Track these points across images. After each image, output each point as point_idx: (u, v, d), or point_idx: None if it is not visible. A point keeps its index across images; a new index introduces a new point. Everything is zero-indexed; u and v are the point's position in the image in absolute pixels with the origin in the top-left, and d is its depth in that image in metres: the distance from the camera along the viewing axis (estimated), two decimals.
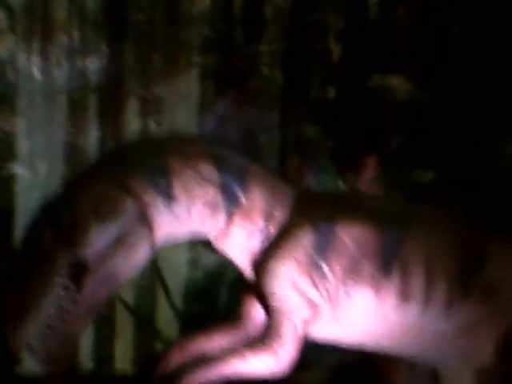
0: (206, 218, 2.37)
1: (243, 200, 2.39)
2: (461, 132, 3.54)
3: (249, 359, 2.34)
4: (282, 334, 2.37)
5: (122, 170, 2.32)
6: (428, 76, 3.91)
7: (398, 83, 3.93)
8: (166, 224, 2.34)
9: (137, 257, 2.29)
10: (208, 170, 2.36)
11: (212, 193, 2.36)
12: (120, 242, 2.26)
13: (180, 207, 2.34)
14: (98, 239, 2.24)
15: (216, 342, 2.50)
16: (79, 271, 2.23)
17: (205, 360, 2.40)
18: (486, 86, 3.57)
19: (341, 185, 3.83)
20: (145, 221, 2.29)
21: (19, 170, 4.69)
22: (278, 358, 2.35)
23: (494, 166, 3.28)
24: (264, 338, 2.37)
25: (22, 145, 4.72)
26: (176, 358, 2.46)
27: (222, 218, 2.38)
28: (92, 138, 4.74)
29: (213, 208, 2.37)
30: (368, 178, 3.76)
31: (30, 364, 4.30)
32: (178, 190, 2.34)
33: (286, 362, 2.35)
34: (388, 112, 3.90)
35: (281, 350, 2.35)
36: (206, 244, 4.54)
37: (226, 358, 2.36)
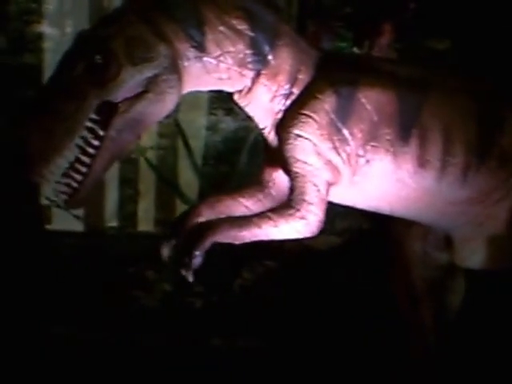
0: (233, 73, 2.37)
1: (271, 59, 2.39)
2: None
3: (279, 224, 2.36)
4: (306, 198, 2.37)
5: (158, 15, 2.29)
6: None
7: None
8: (195, 74, 2.34)
9: (164, 104, 2.30)
10: (240, 23, 2.35)
11: (242, 48, 2.36)
12: (150, 86, 2.27)
13: (210, 59, 2.34)
14: (129, 81, 2.24)
15: (241, 204, 2.53)
16: (108, 111, 2.23)
17: (236, 220, 2.42)
18: None
19: (356, 51, 3.82)
20: (176, 68, 2.29)
21: (47, 28, 4.73)
22: (306, 222, 2.37)
23: (509, 33, 3.26)
24: (290, 203, 2.38)
25: (50, 4, 4.75)
26: (204, 215, 2.48)
27: (248, 75, 2.39)
28: None
29: (241, 64, 2.37)
30: (383, 45, 3.74)
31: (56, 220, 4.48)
32: (209, 41, 2.33)
33: (314, 225, 2.38)
34: None
35: (308, 213, 2.37)
36: (226, 109, 4.61)
37: (256, 222, 2.37)
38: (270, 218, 2.36)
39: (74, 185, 2.25)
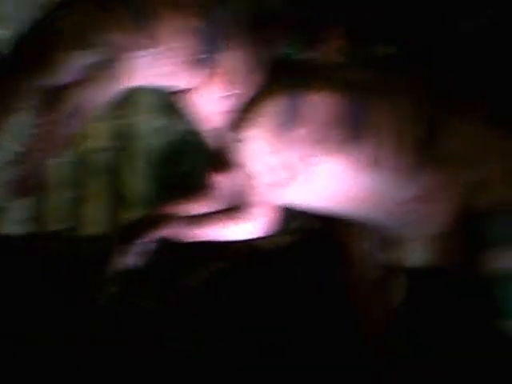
0: (182, 70, 2.38)
1: (222, 58, 2.42)
2: (422, 6, 3.57)
3: (228, 226, 2.42)
4: (254, 199, 2.43)
5: (112, 5, 2.29)
6: None
7: None
8: (142, 67, 2.34)
9: (105, 92, 2.29)
10: (194, 20, 2.36)
11: (193, 44, 2.37)
12: (91, 73, 2.25)
13: (159, 52, 2.34)
14: (72, 64, 2.22)
15: (185, 207, 2.59)
16: (51, 97, 2.20)
17: (185, 218, 2.47)
18: None
19: (305, 55, 3.85)
20: (120, 58, 2.29)
21: None
22: (255, 223, 2.43)
23: (453, 41, 3.33)
24: (238, 205, 2.44)
25: None
26: (150, 223, 2.52)
27: (198, 73, 2.40)
28: None
29: (191, 61, 2.38)
30: (332, 49, 3.78)
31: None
32: (159, 35, 2.33)
33: (264, 225, 2.45)
34: None
35: (256, 214, 2.43)
36: (174, 111, 4.61)
37: (207, 222, 2.43)
38: (218, 220, 2.42)
39: (19, 173, 2.24)
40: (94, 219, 4.66)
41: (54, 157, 2.31)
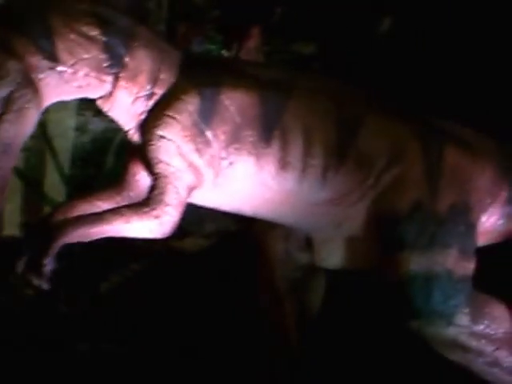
0: (92, 80, 2.35)
1: (128, 61, 2.36)
2: (341, 5, 3.59)
3: (131, 220, 2.35)
4: (164, 198, 2.37)
5: (5, 31, 2.26)
6: None
7: None
8: (53, 85, 2.31)
9: (25, 120, 2.25)
10: (91, 30, 2.32)
11: (96, 53, 2.33)
12: (6, 106, 2.22)
13: (65, 68, 2.31)
14: None
15: (98, 207, 2.50)
16: None
17: (86, 218, 2.40)
18: None
19: (225, 53, 3.85)
20: (30, 82, 2.25)
21: None
22: (160, 222, 2.36)
23: (371, 39, 3.35)
24: (147, 202, 2.38)
25: None
26: (58, 221, 2.45)
27: (108, 79, 2.37)
28: None
29: (98, 69, 2.34)
30: (251, 48, 3.78)
31: None
32: (61, 50, 2.30)
33: (167, 226, 2.38)
34: None
35: (163, 213, 2.36)
36: (94, 110, 4.54)
37: (107, 218, 2.36)
38: (122, 214, 2.35)
39: None
40: (12, 220, 4.59)
41: None
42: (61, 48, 2.30)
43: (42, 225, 2.49)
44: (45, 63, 2.29)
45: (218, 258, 3.56)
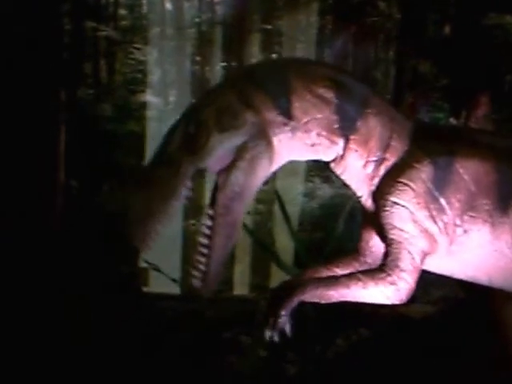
0: (323, 139, 2.41)
1: (360, 125, 2.41)
2: None
3: (368, 286, 2.36)
4: (400, 264, 2.37)
5: (247, 86, 2.37)
6: None
7: None
8: (285, 141, 2.39)
9: (257, 169, 2.34)
10: (327, 92, 2.39)
11: (328, 114, 2.39)
12: (239, 154, 2.33)
13: (298, 126, 2.38)
14: (218, 148, 2.31)
15: (335, 273, 2.52)
16: (214, 189, 2.29)
17: (324, 279, 2.44)
18: None
19: (452, 122, 3.83)
20: (264, 135, 2.35)
21: (151, 98, 4.90)
22: (396, 288, 2.36)
23: None
24: (382, 268, 2.38)
25: (154, 74, 4.93)
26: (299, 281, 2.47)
27: (338, 142, 2.42)
28: (217, 68, 4.89)
29: (329, 129, 2.40)
30: (480, 116, 3.74)
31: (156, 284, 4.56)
32: (296, 108, 2.38)
33: (404, 292, 2.37)
34: (502, 50, 3.84)
35: (399, 280, 2.36)
36: (322, 177, 4.66)
37: (344, 282, 2.39)
38: (359, 279, 2.37)
39: (203, 268, 2.30)
40: (242, 281, 4.74)
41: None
42: (296, 106, 2.37)
43: (284, 287, 2.56)
44: (280, 119, 2.36)
45: (445, 325, 3.50)
